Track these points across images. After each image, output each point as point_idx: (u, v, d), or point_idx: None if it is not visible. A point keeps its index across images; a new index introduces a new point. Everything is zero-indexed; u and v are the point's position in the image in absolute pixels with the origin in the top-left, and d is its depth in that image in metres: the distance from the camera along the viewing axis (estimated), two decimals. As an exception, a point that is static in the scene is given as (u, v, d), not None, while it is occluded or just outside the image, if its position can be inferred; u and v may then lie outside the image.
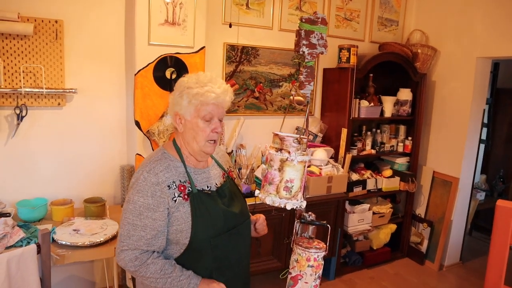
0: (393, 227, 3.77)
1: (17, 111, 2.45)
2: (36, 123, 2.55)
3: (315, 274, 1.25)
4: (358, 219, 3.45)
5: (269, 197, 1.22)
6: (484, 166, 4.50)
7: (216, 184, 1.45)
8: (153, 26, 2.60)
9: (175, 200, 1.31)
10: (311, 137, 3.39)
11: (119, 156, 2.84)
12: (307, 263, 1.24)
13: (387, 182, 3.62)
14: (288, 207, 1.22)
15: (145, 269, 1.29)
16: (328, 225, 1.32)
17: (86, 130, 2.71)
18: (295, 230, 1.34)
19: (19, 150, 2.52)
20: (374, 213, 3.57)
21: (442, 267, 3.72)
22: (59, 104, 2.59)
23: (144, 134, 2.69)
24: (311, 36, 1.23)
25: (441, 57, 3.69)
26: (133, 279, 2.49)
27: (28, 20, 2.41)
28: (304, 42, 1.23)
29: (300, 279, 1.24)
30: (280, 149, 1.23)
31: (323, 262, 1.27)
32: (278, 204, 1.22)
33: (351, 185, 3.36)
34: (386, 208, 3.65)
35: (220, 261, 1.37)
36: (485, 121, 3.83)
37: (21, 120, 2.48)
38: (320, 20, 1.22)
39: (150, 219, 1.29)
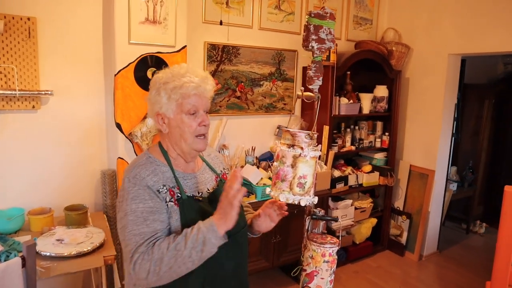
0: (373, 221, 3.85)
1: (-13, 116, 2.29)
2: (8, 127, 2.39)
3: (331, 269, 1.24)
4: (342, 215, 3.49)
5: (283, 194, 1.20)
6: (454, 158, 4.70)
7: (208, 190, 1.33)
8: (133, 25, 2.51)
9: (167, 205, 1.19)
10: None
11: (99, 160, 2.72)
12: (323, 259, 1.23)
13: (367, 177, 3.70)
14: (302, 204, 1.20)
15: (159, 252, 1.09)
16: (339, 220, 1.32)
17: (63, 134, 2.57)
18: (306, 226, 1.32)
19: (-10, 157, 2.36)
20: (356, 208, 3.63)
21: (422, 257, 3.85)
22: (33, 107, 2.44)
23: (126, 137, 2.59)
24: (320, 31, 1.22)
25: (414, 54, 3.82)
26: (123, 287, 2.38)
27: (-3, 17, 2.26)
28: (313, 37, 1.22)
29: (316, 275, 1.23)
30: (292, 145, 1.21)
31: (337, 257, 1.27)
32: (292, 201, 1.20)
33: (333, 181, 3.41)
34: (367, 203, 3.72)
35: (214, 274, 1.24)
36: (455, 115, 3.99)
37: (-8, 125, 2.32)
38: (328, 15, 1.22)
39: (158, 221, 1.15)
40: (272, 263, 3.10)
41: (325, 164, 3.30)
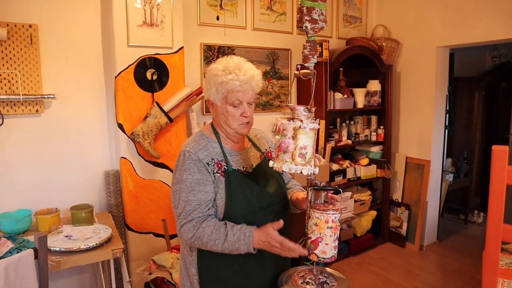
0: (373, 213, 3.92)
1: (-7, 120, 2.35)
2: (13, 132, 2.45)
3: (334, 236, 1.30)
4: (341, 208, 3.55)
5: (285, 165, 1.26)
6: (449, 150, 4.79)
7: (252, 165, 1.50)
8: (132, 28, 2.60)
9: (215, 176, 1.39)
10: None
11: (102, 161, 2.77)
12: (326, 225, 1.29)
13: (365, 170, 3.77)
14: (304, 172, 1.27)
15: (202, 233, 1.32)
16: (340, 189, 1.39)
17: (67, 137, 2.63)
18: (309, 198, 1.39)
19: (-4, 161, 2.41)
20: (355, 201, 3.69)
21: (422, 247, 3.91)
22: (37, 111, 2.51)
23: (128, 137, 2.65)
24: (312, 12, 1.31)
25: (403, 49, 3.93)
26: (131, 282, 2.42)
27: (0, 24, 2.33)
28: (307, 18, 1.30)
29: (320, 242, 1.29)
30: (292, 119, 1.28)
31: (339, 224, 1.33)
32: (295, 170, 1.26)
33: (332, 175, 3.48)
34: (366, 195, 3.79)
35: None
36: (447, 108, 4.09)
37: (-3, 130, 2.37)
38: (319, -4, 1.31)
39: (203, 192, 1.35)
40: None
41: (323, 157, 3.38)
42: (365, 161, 3.84)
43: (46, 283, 1.84)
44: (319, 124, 1.32)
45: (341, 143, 3.67)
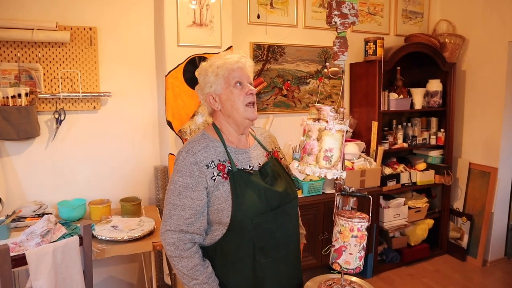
0: (430, 222, 3.65)
1: (56, 115, 2.57)
2: (73, 126, 2.66)
3: (360, 245, 1.22)
4: (394, 214, 3.36)
5: (309, 168, 1.21)
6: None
7: (259, 164, 1.42)
8: (182, 28, 2.68)
9: (214, 179, 1.30)
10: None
11: (152, 156, 2.91)
12: (351, 234, 1.21)
13: (421, 175, 3.53)
14: (329, 177, 1.21)
15: (178, 260, 1.30)
16: (369, 196, 1.31)
17: (120, 132, 2.80)
18: (336, 203, 1.32)
19: (58, 153, 2.63)
20: (409, 208, 3.47)
21: (486, 263, 3.56)
22: (94, 107, 2.69)
23: (176, 134, 2.74)
24: (342, 6, 1.24)
25: (470, 45, 3.61)
26: (171, 274, 2.51)
27: (65, 28, 2.54)
28: (336, 12, 1.24)
29: (344, 251, 1.22)
30: (317, 119, 1.23)
31: (366, 234, 1.25)
32: (319, 174, 1.21)
33: (384, 179, 3.30)
34: (422, 203, 3.54)
35: (264, 241, 1.32)
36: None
37: (60, 124, 2.58)
38: (350, -11, 1.23)
39: (189, 198, 1.29)
40: (320, 260, 3.05)
41: (375, 160, 3.21)
42: (422, 165, 3.59)
43: (90, 268, 1.97)
44: (348, 125, 1.25)
45: (396, 146, 3.47)
